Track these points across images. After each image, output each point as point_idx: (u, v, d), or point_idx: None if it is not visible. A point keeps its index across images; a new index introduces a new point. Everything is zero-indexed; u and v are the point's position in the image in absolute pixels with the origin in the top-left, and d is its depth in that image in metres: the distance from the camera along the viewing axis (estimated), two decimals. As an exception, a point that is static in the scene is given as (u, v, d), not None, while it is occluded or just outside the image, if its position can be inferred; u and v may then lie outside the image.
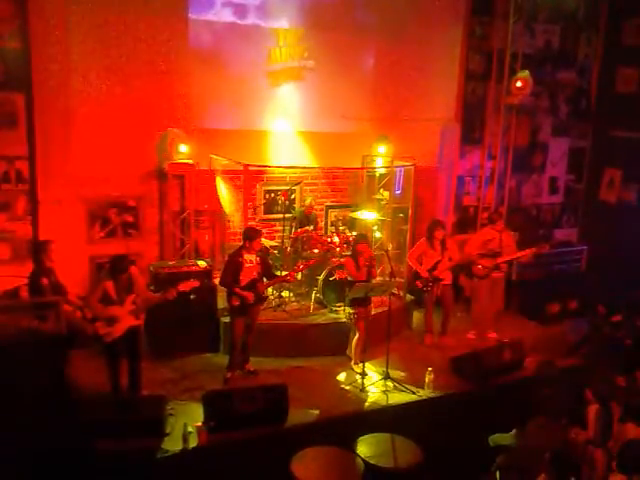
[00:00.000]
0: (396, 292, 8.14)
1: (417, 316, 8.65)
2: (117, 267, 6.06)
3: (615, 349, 7.57)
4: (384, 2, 8.98)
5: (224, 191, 8.57)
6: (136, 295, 6.08)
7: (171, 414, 5.99)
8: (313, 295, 8.03)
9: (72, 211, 7.79)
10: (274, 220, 8.98)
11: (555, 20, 10.43)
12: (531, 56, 10.18)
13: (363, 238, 7.45)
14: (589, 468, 5.11)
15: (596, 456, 5.12)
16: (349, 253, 7.69)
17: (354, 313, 7.16)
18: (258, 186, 8.87)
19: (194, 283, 6.30)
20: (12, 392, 5.33)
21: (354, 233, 8.40)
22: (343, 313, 7.64)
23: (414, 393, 6.82)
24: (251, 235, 6.82)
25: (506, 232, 8.30)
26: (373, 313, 7.38)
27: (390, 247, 8.58)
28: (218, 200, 8.57)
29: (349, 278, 7.19)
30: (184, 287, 6.19)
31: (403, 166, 8.82)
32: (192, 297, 6.86)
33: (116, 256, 6.30)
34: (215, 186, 8.52)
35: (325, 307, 7.99)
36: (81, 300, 6.83)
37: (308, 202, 8.67)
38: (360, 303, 7.08)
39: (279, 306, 8.01)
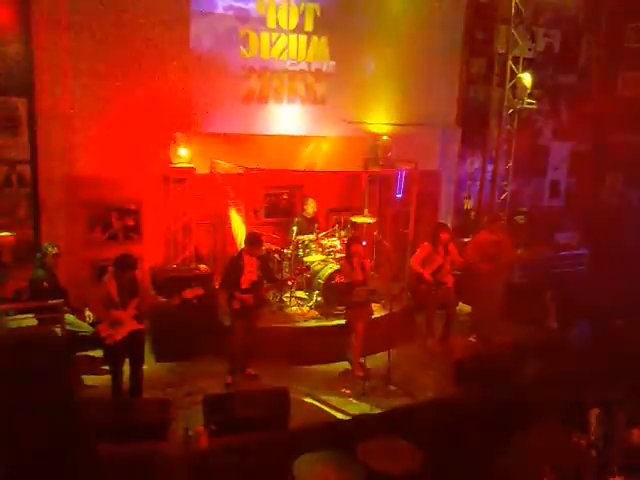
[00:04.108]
0: (398, 296, 8.13)
1: (419, 319, 8.64)
2: (124, 264, 5.96)
3: (616, 352, 7.55)
4: (385, 6, 9.00)
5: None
6: (140, 299, 6.07)
7: (172, 418, 5.98)
8: (314, 299, 8.03)
9: (73, 215, 7.80)
10: (275, 224, 8.98)
11: (556, 24, 10.45)
12: (532, 60, 10.20)
13: (356, 239, 7.58)
14: (591, 473, 5.09)
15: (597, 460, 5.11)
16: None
17: (352, 314, 7.19)
18: (259, 190, 8.86)
19: (198, 291, 6.27)
20: (14, 395, 5.34)
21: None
22: (344, 316, 7.66)
23: (415, 397, 6.81)
24: (253, 241, 6.84)
25: (506, 235, 8.29)
26: (376, 316, 7.37)
27: (389, 248, 8.59)
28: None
29: (346, 280, 7.24)
30: (188, 295, 6.18)
31: (404, 169, 8.82)
32: (194, 301, 6.84)
33: (123, 254, 6.18)
34: (215, 190, 8.50)
35: (326, 311, 7.99)
36: (82, 303, 6.84)
37: (310, 206, 8.68)
38: (359, 304, 7.11)
39: (280, 310, 8.01)
